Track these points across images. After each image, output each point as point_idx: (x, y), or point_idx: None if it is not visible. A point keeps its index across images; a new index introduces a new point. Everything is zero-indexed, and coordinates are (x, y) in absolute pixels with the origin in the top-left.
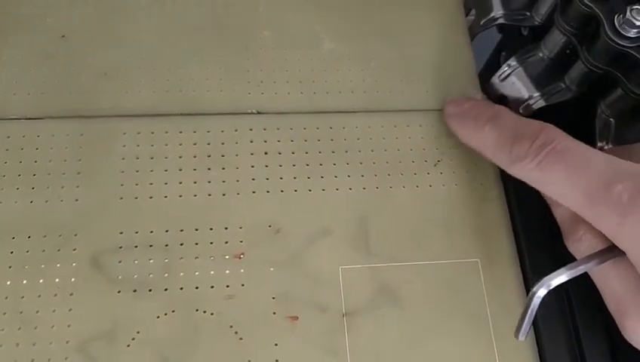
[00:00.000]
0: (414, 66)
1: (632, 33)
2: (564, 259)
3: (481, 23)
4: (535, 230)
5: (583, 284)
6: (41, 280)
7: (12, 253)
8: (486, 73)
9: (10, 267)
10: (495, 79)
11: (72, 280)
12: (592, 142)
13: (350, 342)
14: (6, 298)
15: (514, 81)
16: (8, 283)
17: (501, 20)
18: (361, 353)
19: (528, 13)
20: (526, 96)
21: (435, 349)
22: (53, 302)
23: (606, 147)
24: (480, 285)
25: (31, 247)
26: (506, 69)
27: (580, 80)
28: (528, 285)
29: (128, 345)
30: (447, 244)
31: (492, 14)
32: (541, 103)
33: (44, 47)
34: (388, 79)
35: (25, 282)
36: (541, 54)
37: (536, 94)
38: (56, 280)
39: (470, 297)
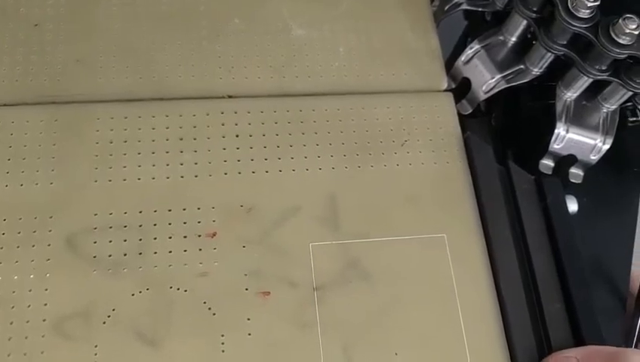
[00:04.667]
0: (381, 51)
1: (585, 14)
2: (525, 233)
3: (445, 8)
4: (498, 205)
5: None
6: (16, 261)
7: None
8: (452, 57)
9: None
10: (459, 62)
11: (48, 260)
12: (551, 123)
13: (321, 315)
14: None
15: (477, 63)
16: None
17: (464, 6)
18: (331, 325)
19: None
20: (488, 78)
21: (403, 320)
22: (29, 282)
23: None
24: (446, 258)
25: (7, 230)
26: (469, 52)
27: (539, 62)
28: (492, 256)
29: (104, 322)
30: (414, 220)
31: (455, 0)
32: (503, 85)
33: (18, 36)
34: (356, 63)
35: (1, 264)
36: (502, 38)
37: (498, 76)
38: (32, 261)
39: (437, 270)
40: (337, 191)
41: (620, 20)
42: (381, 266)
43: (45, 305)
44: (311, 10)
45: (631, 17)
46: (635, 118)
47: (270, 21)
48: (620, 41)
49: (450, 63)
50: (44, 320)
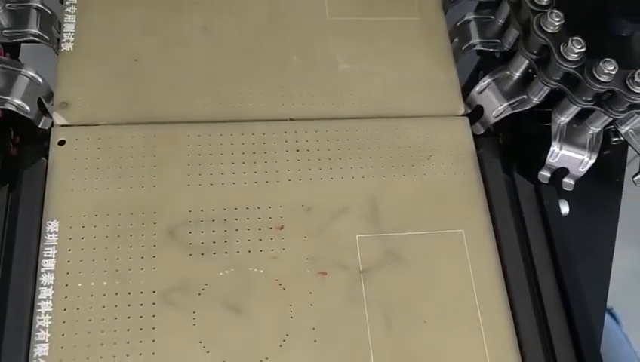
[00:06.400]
0: (410, 82)
1: (574, 57)
2: (527, 229)
3: (463, 48)
4: (505, 207)
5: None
6: (130, 246)
7: (107, 226)
8: (467, 88)
9: (107, 237)
10: (473, 93)
11: (154, 246)
12: (548, 142)
13: (366, 292)
14: (105, 259)
15: (488, 94)
16: (106, 248)
17: (478, 47)
18: (374, 299)
19: (499, 41)
20: (497, 105)
21: (430, 296)
22: (141, 262)
23: (557, 148)
24: (464, 249)
25: (122, 222)
26: (482, 84)
27: (539, 93)
28: (500, 247)
29: (199, 294)
30: (438, 219)
31: (471, 42)
32: (509, 111)
33: (122, 69)
34: (390, 92)
35: (119, 248)
36: (509, 73)
37: (506, 104)
38: (142, 246)
39: (456, 257)
40: (377, 195)
41: (601, 63)
42: (412, 254)
43: (154, 280)
44: (354, 48)
45: (609, 61)
46: (616, 139)
47: (321, 58)
48: (601, 79)
49: (465, 92)
50: (153, 292)
